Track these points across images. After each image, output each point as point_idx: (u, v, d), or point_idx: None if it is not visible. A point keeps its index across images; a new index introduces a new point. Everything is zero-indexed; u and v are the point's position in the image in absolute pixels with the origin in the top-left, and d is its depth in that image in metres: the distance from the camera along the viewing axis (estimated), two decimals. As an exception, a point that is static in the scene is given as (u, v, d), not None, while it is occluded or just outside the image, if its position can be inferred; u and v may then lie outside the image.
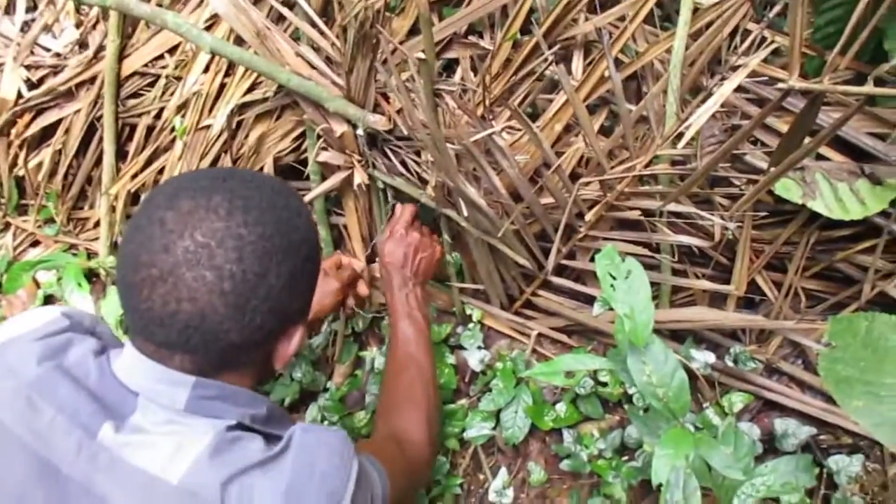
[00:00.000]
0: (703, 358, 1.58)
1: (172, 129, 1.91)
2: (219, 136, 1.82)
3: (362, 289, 1.72)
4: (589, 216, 1.54)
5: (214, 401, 0.93)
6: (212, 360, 0.93)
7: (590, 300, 1.69)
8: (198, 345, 0.90)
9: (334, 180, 1.72)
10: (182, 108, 1.90)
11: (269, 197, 0.93)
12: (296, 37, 1.75)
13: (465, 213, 1.56)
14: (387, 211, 1.76)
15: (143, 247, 0.88)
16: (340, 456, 0.93)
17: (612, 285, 1.17)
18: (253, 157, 1.82)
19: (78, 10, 2.07)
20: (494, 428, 1.69)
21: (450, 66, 1.73)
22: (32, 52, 2.08)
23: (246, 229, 0.89)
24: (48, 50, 2.07)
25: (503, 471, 1.67)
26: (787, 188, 1.48)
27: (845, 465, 1.53)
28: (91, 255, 2.18)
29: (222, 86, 1.83)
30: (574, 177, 1.58)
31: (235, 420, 0.94)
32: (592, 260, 1.53)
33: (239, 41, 1.73)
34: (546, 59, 1.58)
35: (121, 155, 2.06)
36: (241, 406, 0.95)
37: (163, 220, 0.88)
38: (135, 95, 1.99)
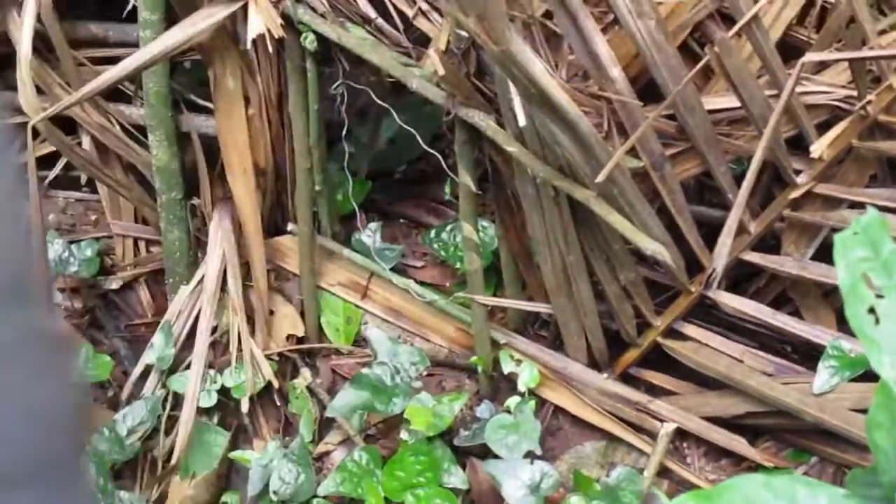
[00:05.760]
0: None
1: None
2: None
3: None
4: (819, 147, 1.17)
5: None
6: None
7: (808, 355, 1.19)
8: None
9: (195, 27, 1.23)
10: None
11: None
12: None
13: (521, 121, 1.03)
14: (335, 102, 1.32)
15: None
16: None
17: (870, 308, 0.74)
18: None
19: None
20: None
21: None
22: None
23: None
24: None
25: None
26: None
27: None
28: None
29: None
30: (787, 50, 1.16)
31: None
32: (820, 257, 1.13)
33: None
34: None
35: None
36: None
37: None
38: None
